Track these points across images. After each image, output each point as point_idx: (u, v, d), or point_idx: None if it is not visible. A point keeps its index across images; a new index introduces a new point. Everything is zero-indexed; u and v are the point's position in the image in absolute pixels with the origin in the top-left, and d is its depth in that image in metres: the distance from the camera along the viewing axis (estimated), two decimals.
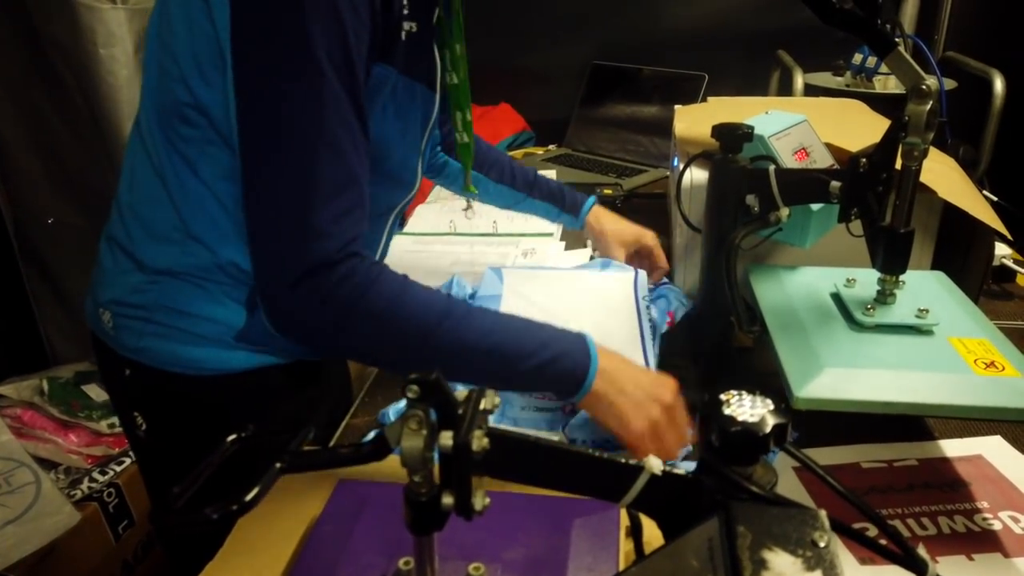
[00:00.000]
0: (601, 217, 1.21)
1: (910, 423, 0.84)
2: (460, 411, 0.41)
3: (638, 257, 1.20)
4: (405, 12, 0.74)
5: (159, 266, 0.82)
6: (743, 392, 0.40)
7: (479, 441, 0.41)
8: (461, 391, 0.43)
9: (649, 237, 1.19)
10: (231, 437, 0.45)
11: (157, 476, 0.99)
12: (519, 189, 1.19)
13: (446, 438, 0.41)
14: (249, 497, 0.41)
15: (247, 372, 0.85)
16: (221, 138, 0.74)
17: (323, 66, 0.66)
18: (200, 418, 0.87)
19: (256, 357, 0.86)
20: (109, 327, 0.86)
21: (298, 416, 0.92)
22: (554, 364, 0.74)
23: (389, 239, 0.95)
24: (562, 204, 1.21)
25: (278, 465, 0.43)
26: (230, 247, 0.79)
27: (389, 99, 0.77)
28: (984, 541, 0.67)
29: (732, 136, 0.84)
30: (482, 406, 0.42)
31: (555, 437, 0.82)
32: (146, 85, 0.80)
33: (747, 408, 0.39)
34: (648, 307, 0.99)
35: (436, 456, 0.42)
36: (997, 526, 0.69)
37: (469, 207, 1.08)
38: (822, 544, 0.34)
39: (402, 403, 0.83)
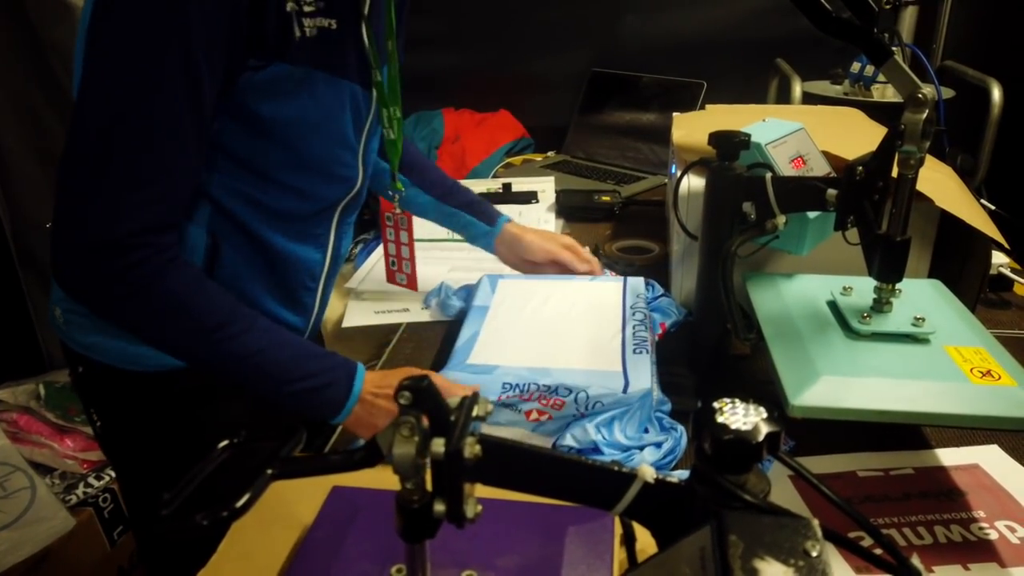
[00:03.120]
0: (520, 227, 1.19)
1: (907, 431, 0.84)
2: (452, 418, 0.41)
3: (565, 260, 1.17)
4: (311, 9, 0.76)
5: None
6: (736, 400, 0.40)
7: (471, 448, 0.41)
8: (454, 398, 0.43)
9: (567, 238, 1.19)
10: (222, 444, 0.45)
11: (118, 471, 1.00)
12: (433, 194, 1.17)
13: (438, 445, 0.40)
14: (240, 503, 0.41)
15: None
16: None
17: (162, 56, 0.68)
18: (150, 414, 0.88)
19: None
20: (61, 323, 0.88)
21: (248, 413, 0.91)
22: (314, 394, 0.78)
23: (341, 237, 0.96)
24: (479, 214, 1.18)
25: (269, 471, 0.43)
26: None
27: (306, 94, 0.79)
28: (980, 551, 0.67)
29: (729, 144, 0.84)
30: (475, 413, 0.42)
31: (547, 443, 0.82)
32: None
33: (740, 416, 0.39)
34: (636, 314, 0.99)
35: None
36: (993, 536, 0.69)
37: (397, 202, 1.10)
38: (814, 553, 0.34)
39: None
